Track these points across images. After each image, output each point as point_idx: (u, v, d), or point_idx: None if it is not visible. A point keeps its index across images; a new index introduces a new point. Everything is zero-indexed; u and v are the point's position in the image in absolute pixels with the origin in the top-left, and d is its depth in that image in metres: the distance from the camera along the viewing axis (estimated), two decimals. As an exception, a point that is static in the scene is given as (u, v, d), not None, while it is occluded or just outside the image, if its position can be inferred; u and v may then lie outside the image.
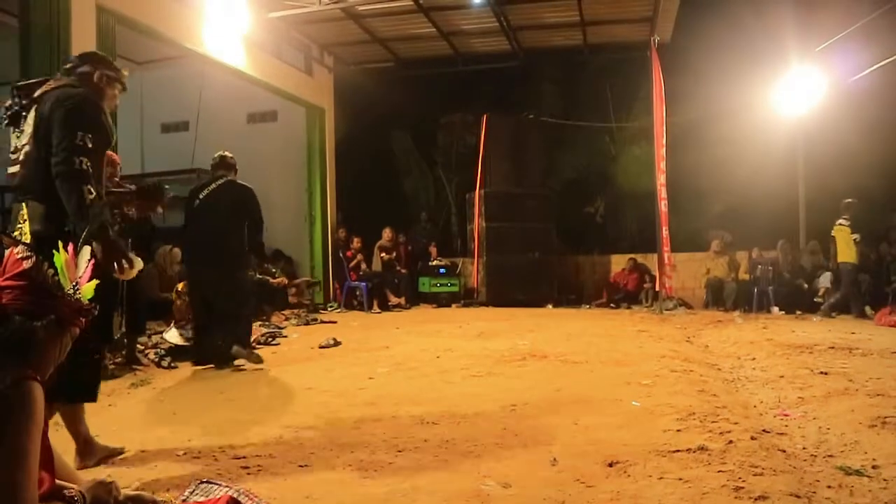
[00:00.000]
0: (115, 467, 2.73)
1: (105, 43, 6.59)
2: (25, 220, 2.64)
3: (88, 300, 1.65)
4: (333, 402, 3.86)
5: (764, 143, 11.01)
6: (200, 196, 5.37)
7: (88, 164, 2.58)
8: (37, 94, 2.72)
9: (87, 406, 4.01)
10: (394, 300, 10.64)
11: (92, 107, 2.74)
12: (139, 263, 2.81)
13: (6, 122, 2.77)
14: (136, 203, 3.26)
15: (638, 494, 2.28)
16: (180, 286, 6.47)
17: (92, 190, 2.57)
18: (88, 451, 2.83)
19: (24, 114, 2.74)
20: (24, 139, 2.71)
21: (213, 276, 5.19)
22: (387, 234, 11.22)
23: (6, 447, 1.36)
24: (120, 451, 2.93)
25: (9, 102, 2.78)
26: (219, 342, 5.15)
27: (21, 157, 2.71)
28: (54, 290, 1.57)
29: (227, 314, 5.19)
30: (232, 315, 5.20)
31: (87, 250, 1.74)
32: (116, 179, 5.26)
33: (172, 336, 5.94)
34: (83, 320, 1.64)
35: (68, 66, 2.92)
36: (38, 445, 1.43)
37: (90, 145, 2.61)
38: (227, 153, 5.60)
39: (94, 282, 1.68)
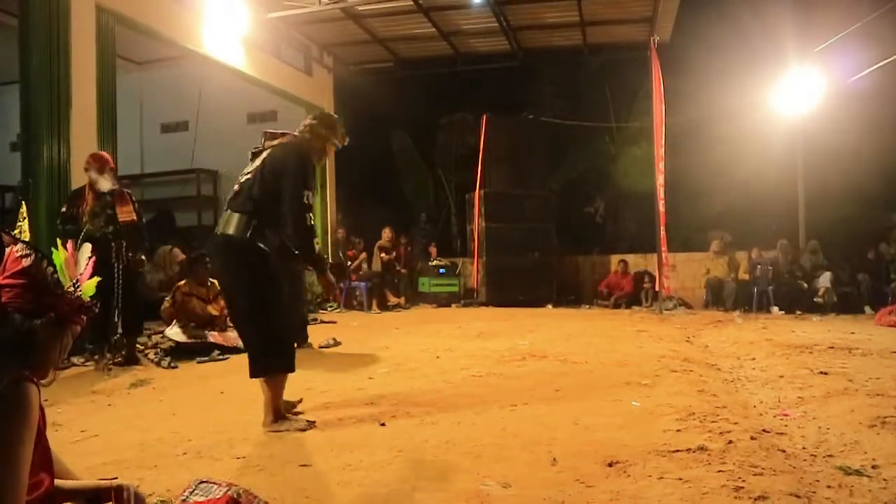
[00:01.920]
0: (116, 468, 2.72)
1: (105, 43, 6.60)
2: (25, 218, 2.89)
3: (90, 297, 1.63)
4: (333, 401, 3.86)
5: (763, 144, 11.03)
6: None
7: (312, 218, 3.22)
8: (276, 142, 3.42)
9: (87, 406, 4.02)
10: (393, 300, 10.64)
11: (311, 167, 3.38)
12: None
13: (251, 156, 3.47)
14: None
15: (638, 494, 2.28)
16: (182, 284, 6.45)
17: (318, 242, 3.27)
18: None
19: (262, 152, 3.41)
20: (250, 169, 3.36)
21: None
22: (386, 234, 11.23)
23: None
24: (296, 402, 3.57)
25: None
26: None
27: (242, 181, 3.34)
28: (54, 288, 1.54)
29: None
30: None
31: (87, 247, 1.73)
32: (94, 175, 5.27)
33: (174, 333, 5.89)
34: (84, 318, 1.62)
35: (307, 120, 3.56)
36: (30, 448, 1.41)
37: (310, 202, 3.22)
38: None
39: (95, 279, 1.67)
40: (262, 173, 3.28)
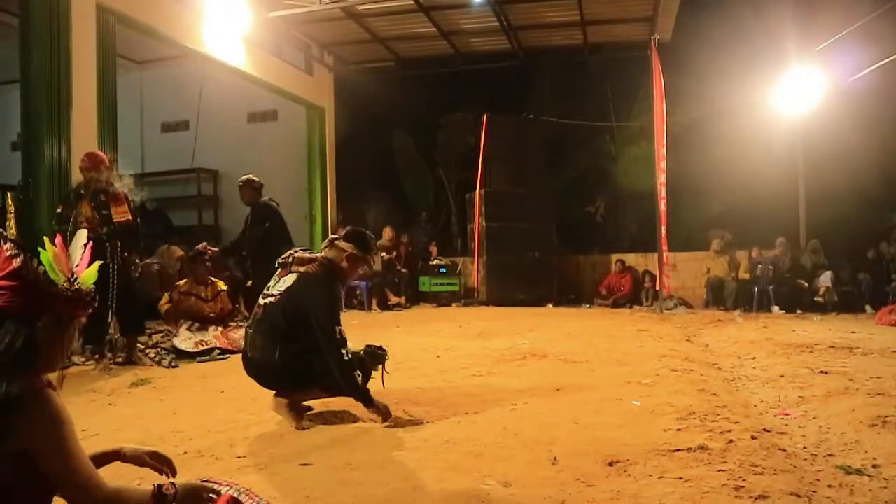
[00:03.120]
0: (117, 467, 2.72)
1: (105, 42, 6.60)
2: (12, 214, 2.92)
3: (93, 283, 1.58)
4: (333, 401, 3.85)
5: (764, 143, 11.02)
6: None
7: (348, 353, 3.26)
8: (303, 269, 3.37)
9: (87, 405, 4.03)
10: (394, 300, 10.64)
11: (339, 295, 3.40)
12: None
13: (278, 266, 3.49)
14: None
15: (638, 494, 2.28)
16: (181, 283, 6.45)
17: (360, 373, 3.32)
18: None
19: (290, 273, 3.39)
20: (275, 292, 3.37)
21: None
22: (387, 233, 11.22)
23: (64, 459, 1.42)
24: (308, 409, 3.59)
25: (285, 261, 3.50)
26: None
27: (265, 304, 3.37)
28: (48, 287, 1.49)
29: None
30: None
31: (82, 234, 1.67)
32: (100, 178, 5.24)
33: (180, 341, 5.81)
34: (87, 310, 1.58)
35: (335, 236, 3.51)
36: (79, 445, 1.46)
37: (343, 336, 3.26)
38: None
39: (96, 264, 1.62)
40: (288, 303, 3.29)
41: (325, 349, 3.23)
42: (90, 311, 1.61)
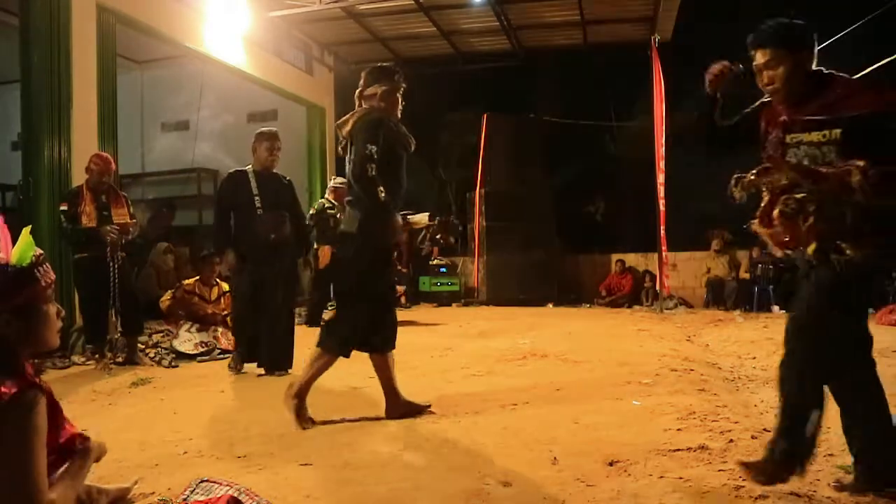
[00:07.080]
0: (117, 467, 2.72)
1: (105, 42, 6.60)
2: None
3: (33, 256, 1.55)
4: (333, 401, 3.85)
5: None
6: None
7: (374, 168, 3.17)
8: (348, 129, 3.38)
9: (87, 405, 4.03)
10: (394, 299, 10.62)
11: (379, 125, 3.28)
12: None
13: (342, 152, 3.50)
14: (435, 231, 3.78)
15: (638, 493, 2.28)
16: (188, 282, 6.45)
17: (383, 190, 3.19)
18: (392, 403, 3.44)
19: (350, 146, 3.37)
20: (348, 165, 3.39)
21: None
22: (388, 233, 11.21)
23: (11, 461, 1.38)
24: (425, 408, 3.49)
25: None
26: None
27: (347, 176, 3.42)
28: None
29: None
30: None
31: None
32: (105, 178, 5.27)
33: (180, 342, 5.81)
34: (40, 285, 1.54)
35: (360, 88, 3.48)
36: (42, 452, 1.42)
37: (376, 155, 3.18)
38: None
39: (25, 235, 1.57)
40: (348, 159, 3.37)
41: (354, 161, 3.24)
42: (48, 283, 1.57)
